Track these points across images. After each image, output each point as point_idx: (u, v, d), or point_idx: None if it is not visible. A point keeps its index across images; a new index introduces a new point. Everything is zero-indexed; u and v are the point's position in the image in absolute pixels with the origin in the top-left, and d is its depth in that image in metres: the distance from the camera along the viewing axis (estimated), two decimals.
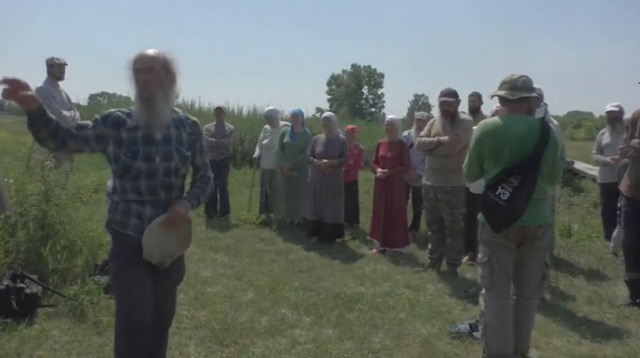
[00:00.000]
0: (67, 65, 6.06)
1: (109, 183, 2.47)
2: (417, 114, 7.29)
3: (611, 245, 5.86)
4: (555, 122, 4.52)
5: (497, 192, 3.03)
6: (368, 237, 6.26)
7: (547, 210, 3.21)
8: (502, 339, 3.10)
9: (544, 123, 3.12)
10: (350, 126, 7.66)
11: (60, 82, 6.10)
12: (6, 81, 1.98)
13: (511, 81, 3.16)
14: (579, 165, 10.05)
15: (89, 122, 2.31)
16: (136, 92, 2.34)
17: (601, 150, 6.42)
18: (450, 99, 5.02)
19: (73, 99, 6.69)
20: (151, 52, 2.36)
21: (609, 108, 6.39)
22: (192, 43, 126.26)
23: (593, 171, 9.24)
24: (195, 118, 2.61)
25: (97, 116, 2.35)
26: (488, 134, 3.15)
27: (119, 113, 2.37)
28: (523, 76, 3.17)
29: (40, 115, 2.09)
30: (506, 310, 3.14)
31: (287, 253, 5.81)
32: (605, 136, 6.42)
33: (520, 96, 3.11)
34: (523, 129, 3.05)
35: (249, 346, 3.37)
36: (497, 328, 3.12)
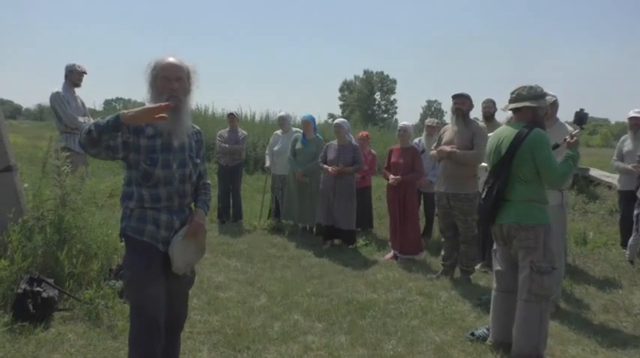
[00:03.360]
0: (86, 74, 6.15)
1: (123, 189, 2.48)
2: (428, 121, 7.28)
3: (627, 253, 5.78)
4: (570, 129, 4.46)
5: (482, 192, 3.53)
6: (389, 242, 6.23)
7: (525, 211, 3.32)
8: (495, 328, 3.54)
9: (522, 129, 3.31)
10: (364, 133, 7.67)
11: (75, 89, 6.17)
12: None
13: (510, 94, 3.49)
14: (595, 172, 9.92)
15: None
16: (162, 99, 2.33)
17: (622, 157, 6.29)
18: (463, 95, 5.03)
19: (89, 105, 6.76)
20: (177, 61, 2.41)
21: (632, 114, 6.23)
22: (205, 49, 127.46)
23: (609, 178, 9.13)
24: (198, 127, 2.68)
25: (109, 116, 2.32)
26: (488, 142, 3.65)
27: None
28: (518, 88, 3.45)
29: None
30: (499, 302, 3.53)
31: (299, 259, 5.82)
32: (627, 143, 6.28)
33: (511, 107, 3.46)
34: (506, 136, 3.38)
35: (262, 351, 3.38)
36: (492, 317, 3.58)
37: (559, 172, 3.28)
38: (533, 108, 3.38)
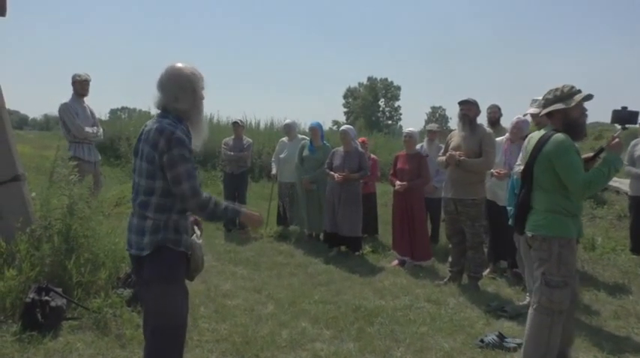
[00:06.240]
0: (89, 81, 6.17)
1: (158, 201, 2.39)
2: (429, 126, 7.28)
3: None
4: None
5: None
6: (393, 252, 6.21)
7: (541, 221, 3.17)
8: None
9: (545, 134, 3.22)
10: (361, 139, 7.64)
11: (84, 98, 6.21)
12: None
13: (540, 100, 3.46)
14: None
15: (192, 166, 2.33)
16: (203, 107, 2.52)
17: (633, 162, 6.22)
18: (469, 102, 5.03)
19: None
20: None
21: None
22: (209, 57, 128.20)
23: (617, 182, 9.06)
24: None
25: (187, 151, 2.32)
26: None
27: (184, 136, 2.36)
28: (546, 93, 3.30)
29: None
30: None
31: (306, 266, 5.81)
32: (638, 147, 6.17)
33: (541, 114, 3.40)
34: (533, 143, 3.29)
35: None
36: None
37: (581, 180, 3.02)
38: (563, 111, 3.19)
